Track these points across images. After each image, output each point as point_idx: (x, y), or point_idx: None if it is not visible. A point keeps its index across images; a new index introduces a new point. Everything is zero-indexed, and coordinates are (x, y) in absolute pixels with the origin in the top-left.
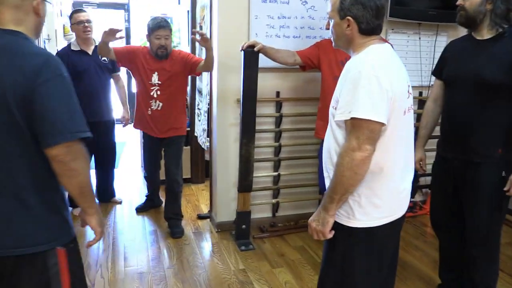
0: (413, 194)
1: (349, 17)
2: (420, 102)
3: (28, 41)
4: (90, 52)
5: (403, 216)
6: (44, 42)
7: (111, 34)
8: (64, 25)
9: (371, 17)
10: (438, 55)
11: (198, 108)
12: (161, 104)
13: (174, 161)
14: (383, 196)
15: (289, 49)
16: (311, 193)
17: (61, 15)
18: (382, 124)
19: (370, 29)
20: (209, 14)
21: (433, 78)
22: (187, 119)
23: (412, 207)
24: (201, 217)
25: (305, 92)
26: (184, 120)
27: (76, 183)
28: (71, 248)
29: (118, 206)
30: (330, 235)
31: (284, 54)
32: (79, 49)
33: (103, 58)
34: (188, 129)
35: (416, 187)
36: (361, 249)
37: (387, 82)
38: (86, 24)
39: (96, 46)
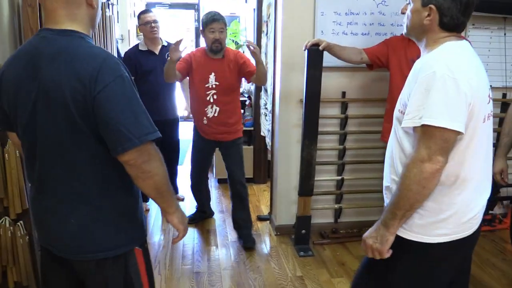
0: (492, 207)
1: (432, 6)
2: (504, 105)
3: (83, 41)
4: (157, 52)
5: (473, 237)
6: (117, 42)
7: (175, 50)
8: (137, 25)
9: (457, 12)
10: None
11: (266, 108)
12: (218, 109)
13: (237, 163)
14: (450, 212)
15: (356, 47)
16: (376, 200)
17: (134, 16)
18: (458, 133)
19: (453, 25)
20: (274, 11)
21: None
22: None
23: (491, 220)
24: (260, 218)
25: (373, 92)
26: (241, 122)
27: (151, 185)
28: (146, 247)
29: (180, 203)
30: (388, 255)
31: (350, 51)
32: (146, 49)
33: (169, 58)
34: (252, 128)
35: (496, 199)
36: (411, 264)
37: (465, 85)
38: (153, 25)
39: (163, 46)
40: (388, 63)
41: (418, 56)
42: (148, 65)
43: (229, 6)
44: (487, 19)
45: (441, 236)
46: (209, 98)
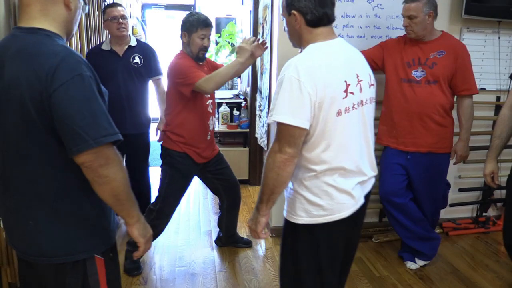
0: (486, 208)
1: (293, 11)
2: (498, 108)
3: (49, 39)
4: (121, 53)
5: (352, 218)
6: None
7: (260, 48)
8: (133, 26)
9: (314, 6)
10: None
11: (260, 109)
12: (215, 120)
13: (229, 166)
14: (321, 195)
15: None
16: (372, 202)
17: (130, 17)
18: (303, 129)
19: (316, 19)
20: (270, 14)
21: None
22: None
23: (485, 222)
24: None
25: None
26: None
27: (108, 190)
28: (110, 257)
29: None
30: (263, 235)
31: None
32: (109, 48)
33: (135, 61)
34: (247, 130)
35: (489, 201)
36: (304, 246)
37: (310, 86)
38: (121, 21)
39: (130, 46)
40: (384, 66)
41: (414, 59)
42: (107, 68)
43: (226, 8)
44: (482, 23)
45: (320, 217)
46: (209, 109)
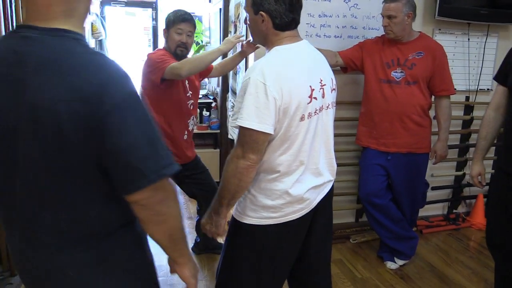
0: (456, 205)
1: (262, 12)
2: (467, 108)
3: (80, 44)
4: None
5: (304, 220)
6: None
7: (250, 47)
8: (92, 23)
9: (284, 11)
10: (487, 57)
11: (233, 110)
12: (195, 119)
13: (207, 171)
14: (274, 197)
15: (330, 49)
16: (348, 202)
17: (89, 13)
18: (268, 134)
19: (285, 24)
20: (244, 12)
21: (483, 82)
22: None
23: (455, 218)
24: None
25: (346, 95)
26: None
27: (165, 230)
28: None
29: None
30: (223, 234)
31: (326, 54)
32: None
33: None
34: (218, 131)
35: (459, 198)
36: (249, 247)
37: (275, 90)
38: None
39: None
40: (363, 66)
41: (393, 60)
42: None
43: (189, 6)
44: (452, 25)
45: (269, 219)
46: (190, 106)
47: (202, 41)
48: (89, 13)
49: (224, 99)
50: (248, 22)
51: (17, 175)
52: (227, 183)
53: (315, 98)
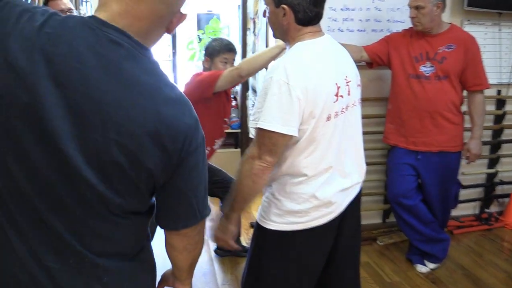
0: (488, 205)
1: (284, 6)
2: (499, 102)
3: (159, 68)
4: None
5: (332, 224)
6: None
7: None
8: None
9: (308, 5)
10: None
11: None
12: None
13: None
14: (300, 201)
15: (355, 44)
16: (375, 203)
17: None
18: (290, 137)
19: (308, 19)
20: (264, 7)
21: None
22: None
23: (487, 218)
24: (253, 225)
25: (371, 92)
26: None
27: (193, 256)
28: None
29: None
30: (235, 245)
31: (350, 49)
32: None
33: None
34: (238, 130)
35: (491, 197)
36: (275, 253)
37: (300, 90)
38: (68, 14)
39: None
40: (390, 61)
41: (422, 54)
42: None
43: (206, 3)
44: (483, 15)
45: (297, 224)
46: (223, 129)
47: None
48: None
49: (244, 97)
50: (267, 15)
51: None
52: (240, 184)
53: (341, 96)
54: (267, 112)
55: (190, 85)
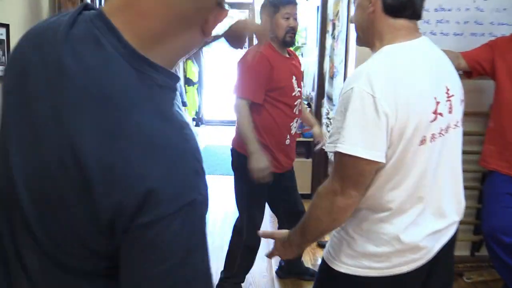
0: None
1: None
2: None
3: (170, 106)
4: None
5: (418, 273)
6: None
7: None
8: None
9: None
10: None
11: (328, 118)
12: (298, 122)
13: (297, 192)
14: (379, 243)
15: (451, 50)
16: (463, 232)
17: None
18: (377, 163)
19: (399, 5)
20: (345, 8)
21: None
22: None
23: None
24: (321, 245)
25: (467, 105)
26: None
27: None
28: None
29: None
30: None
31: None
32: None
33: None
34: (311, 139)
35: None
36: None
37: (388, 104)
38: None
39: None
40: (494, 70)
41: None
42: None
43: None
44: None
45: (371, 269)
46: (296, 110)
47: (298, 42)
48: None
49: (319, 105)
50: (354, 17)
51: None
52: (317, 221)
53: (440, 114)
54: (348, 133)
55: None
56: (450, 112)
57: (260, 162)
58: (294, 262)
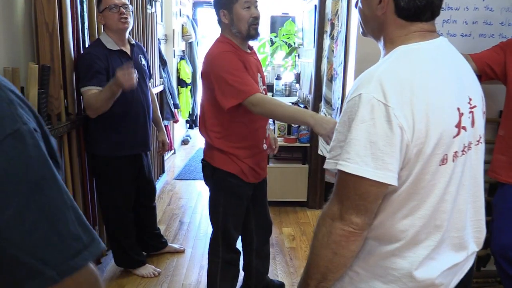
0: None
1: None
2: None
3: None
4: (129, 53)
5: None
6: (160, 42)
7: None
8: (183, 25)
9: None
10: None
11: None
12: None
13: (267, 205)
14: (388, 280)
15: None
16: None
17: (180, 15)
18: (386, 186)
19: (415, 10)
20: (345, 7)
21: None
22: None
23: None
24: None
25: None
26: None
27: None
28: None
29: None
30: None
31: None
32: (118, 48)
33: (142, 63)
34: (308, 144)
35: None
36: None
37: (403, 115)
38: (122, 10)
39: (132, 45)
40: (505, 74)
41: None
42: None
43: (281, 6)
44: None
45: None
46: None
47: (294, 43)
48: (180, 15)
49: (316, 108)
50: (359, 5)
51: None
52: (315, 256)
53: (463, 128)
54: (353, 148)
55: (211, 72)
56: (472, 125)
57: (326, 123)
58: (260, 279)
